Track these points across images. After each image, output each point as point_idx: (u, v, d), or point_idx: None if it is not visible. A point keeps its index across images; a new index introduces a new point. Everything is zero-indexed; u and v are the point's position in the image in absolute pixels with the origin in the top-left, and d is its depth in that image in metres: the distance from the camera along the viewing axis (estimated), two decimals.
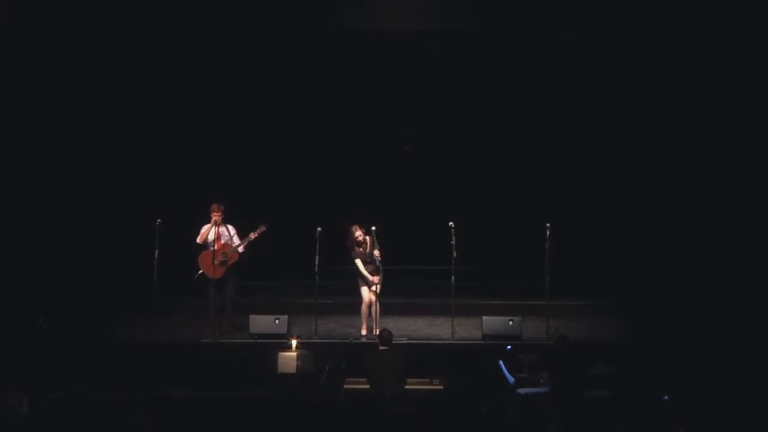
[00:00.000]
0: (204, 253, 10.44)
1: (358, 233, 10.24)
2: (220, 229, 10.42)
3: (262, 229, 10.30)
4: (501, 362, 8.61)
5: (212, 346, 10.09)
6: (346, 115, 13.61)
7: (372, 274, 10.26)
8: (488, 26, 12.93)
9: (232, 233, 10.45)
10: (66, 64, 12.20)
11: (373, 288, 10.27)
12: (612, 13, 12.53)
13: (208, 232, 10.41)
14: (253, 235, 10.32)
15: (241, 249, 10.40)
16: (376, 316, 10.28)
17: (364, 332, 10.37)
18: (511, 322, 10.12)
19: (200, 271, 10.45)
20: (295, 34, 13.11)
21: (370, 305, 10.35)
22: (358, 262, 10.28)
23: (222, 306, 10.49)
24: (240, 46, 13.08)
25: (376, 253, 10.19)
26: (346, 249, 10.36)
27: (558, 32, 12.77)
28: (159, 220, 10.49)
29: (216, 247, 10.34)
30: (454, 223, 10.30)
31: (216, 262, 10.33)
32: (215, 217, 10.36)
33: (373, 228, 10.23)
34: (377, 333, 9.45)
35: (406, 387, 8.46)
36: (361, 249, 10.26)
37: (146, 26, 12.56)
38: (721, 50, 11.93)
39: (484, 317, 10.25)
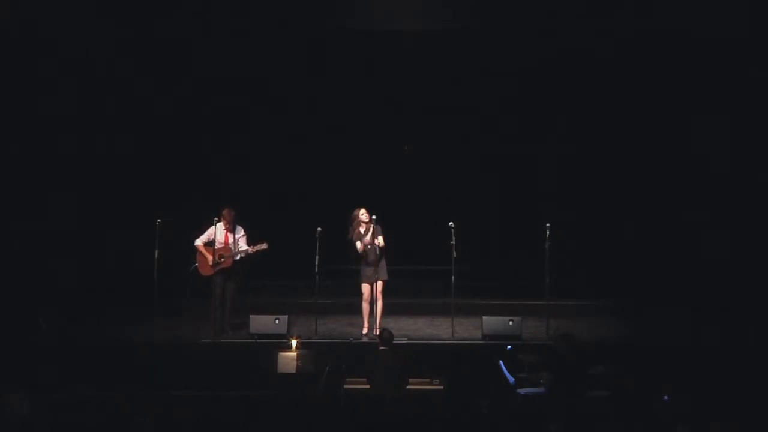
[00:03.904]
0: (204, 249, 10.47)
1: (362, 211, 10.18)
2: (228, 234, 10.43)
3: (263, 246, 10.32)
4: (501, 362, 8.60)
5: (212, 346, 10.08)
6: (346, 115, 13.62)
7: (373, 264, 10.20)
8: (488, 26, 12.93)
9: (238, 236, 10.45)
10: (66, 64, 12.20)
11: (377, 285, 10.23)
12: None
13: (209, 238, 10.42)
14: (251, 249, 10.35)
15: (237, 257, 10.41)
16: (378, 315, 10.27)
17: (364, 331, 10.34)
18: (511, 322, 10.11)
19: (195, 264, 10.49)
20: (294, 33, 13.11)
21: (371, 303, 10.31)
22: (358, 244, 10.21)
23: (223, 305, 10.49)
24: (239, 45, 13.08)
25: (377, 241, 10.16)
26: (347, 237, 10.31)
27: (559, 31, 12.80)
28: (159, 220, 10.49)
29: (219, 247, 10.37)
30: (454, 223, 10.29)
31: (210, 263, 10.34)
32: (225, 223, 10.38)
33: (373, 217, 10.22)
34: (378, 333, 9.44)
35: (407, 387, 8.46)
36: (360, 229, 10.17)
37: (146, 26, 12.57)
38: None
39: (484, 317, 10.24)
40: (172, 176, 12.98)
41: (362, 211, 10.22)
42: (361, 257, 10.26)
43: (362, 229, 10.21)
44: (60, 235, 12.08)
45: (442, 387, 8.76)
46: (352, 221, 10.26)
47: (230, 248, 10.38)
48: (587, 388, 8.02)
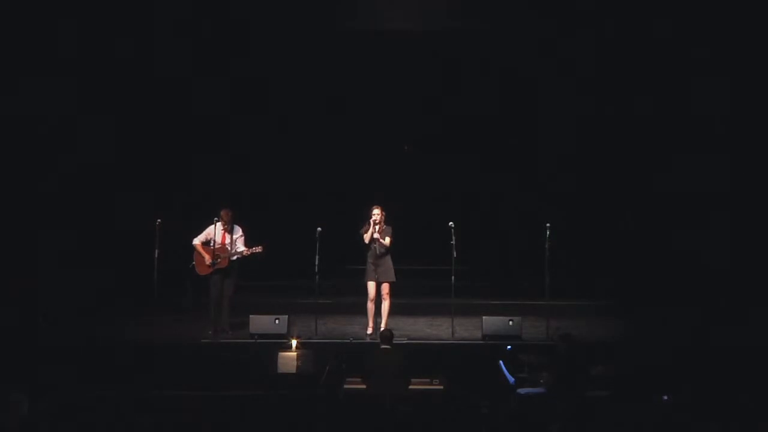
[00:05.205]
0: (202, 249, 10.48)
1: (375, 210, 10.15)
2: (225, 234, 10.43)
3: (257, 250, 10.31)
4: (501, 362, 8.60)
5: (212, 346, 10.08)
6: (347, 115, 13.63)
7: (375, 263, 10.18)
8: (489, 26, 12.93)
9: (236, 236, 10.44)
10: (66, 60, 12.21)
11: (382, 286, 10.21)
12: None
13: (208, 237, 10.42)
14: (246, 252, 10.35)
15: (234, 258, 10.42)
16: (384, 316, 10.23)
17: (369, 330, 10.33)
18: (511, 322, 10.11)
19: (193, 263, 10.51)
20: (294, 33, 13.12)
21: (376, 303, 10.27)
22: (365, 236, 10.19)
23: (222, 304, 10.49)
24: (238, 45, 13.08)
25: (378, 239, 10.14)
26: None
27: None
28: (159, 220, 10.49)
29: (216, 246, 10.38)
30: (453, 223, 10.29)
31: (207, 262, 10.36)
32: (223, 224, 10.39)
33: (374, 220, 10.21)
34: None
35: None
36: (368, 226, 10.13)
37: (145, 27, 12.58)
38: None
39: (484, 317, 10.23)
40: (172, 176, 12.97)
41: (376, 210, 10.20)
42: (367, 254, 10.26)
43: (371, 227, 10.20)
44: (60, 234, 12.08)
45: (442, 387, 8.76)
46: (369, 216, 10.25)
47: (227, 248, 10.37)
48: (587, 388, 8.03)
